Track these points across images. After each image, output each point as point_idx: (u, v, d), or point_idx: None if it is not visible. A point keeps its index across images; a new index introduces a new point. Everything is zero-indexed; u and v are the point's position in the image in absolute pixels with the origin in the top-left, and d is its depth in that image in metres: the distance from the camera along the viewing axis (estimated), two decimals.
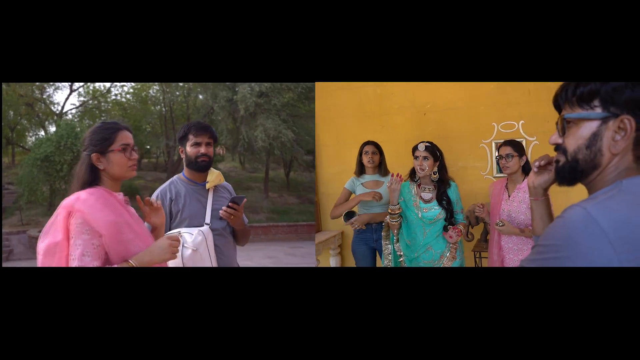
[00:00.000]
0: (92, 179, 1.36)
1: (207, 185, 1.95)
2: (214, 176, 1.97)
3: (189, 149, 1.93)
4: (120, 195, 1.41)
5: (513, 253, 2.59)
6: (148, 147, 16.45)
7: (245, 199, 1.94)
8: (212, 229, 1.90)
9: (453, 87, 3.88)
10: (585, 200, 0.83)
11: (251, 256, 7.69)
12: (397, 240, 2.83)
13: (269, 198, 13.48)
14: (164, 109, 14.49)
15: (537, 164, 1.11)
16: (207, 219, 1.91)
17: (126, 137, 1.42)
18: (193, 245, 1.80)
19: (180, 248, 1.73)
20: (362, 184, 3.19)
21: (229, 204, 1.90)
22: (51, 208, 9.77)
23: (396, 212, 2.67)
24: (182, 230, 1.84)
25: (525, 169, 2.63)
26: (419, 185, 2.75)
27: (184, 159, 1.96)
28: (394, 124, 4.09)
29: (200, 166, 1.93)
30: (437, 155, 2.68)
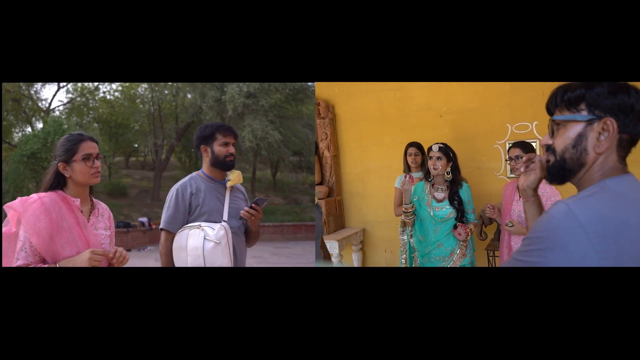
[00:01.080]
0: (56, 184, 1.52)
1: (229, 184, 2.05)
2: (234, 175, 2.07)
3: (217, 148, 2.01)
4: (77, 201, 1.53)
5: None
6: (136, 145, 16.42)
7: (266, 201, 2.04)
8: (230, 227, 1.99)
9: (468, 89, 3.94)
10: (570, 197, 0.90)
11: None
12: (412, 236, 3.05)
13: None
14: (152, 108, 14.47)
15: (523, 167, 1.17)
16: (225, 217, 1.98)
17: (89, 147, 1.54)
18: (216, 239, 1.88)
19: (201, 241, 1.87)
20: None
21: (252, 204, 1.99)
22: None
23: (409, 210, 2.87)
24: (203, 224, 1.93)
25: None
26: (432, 185, 2.91)
27: (208, 158, 2.04)
28: (413, 126, 4.23)
29: (227, 165, 2.03)
30: (450, 156, 2.83)
